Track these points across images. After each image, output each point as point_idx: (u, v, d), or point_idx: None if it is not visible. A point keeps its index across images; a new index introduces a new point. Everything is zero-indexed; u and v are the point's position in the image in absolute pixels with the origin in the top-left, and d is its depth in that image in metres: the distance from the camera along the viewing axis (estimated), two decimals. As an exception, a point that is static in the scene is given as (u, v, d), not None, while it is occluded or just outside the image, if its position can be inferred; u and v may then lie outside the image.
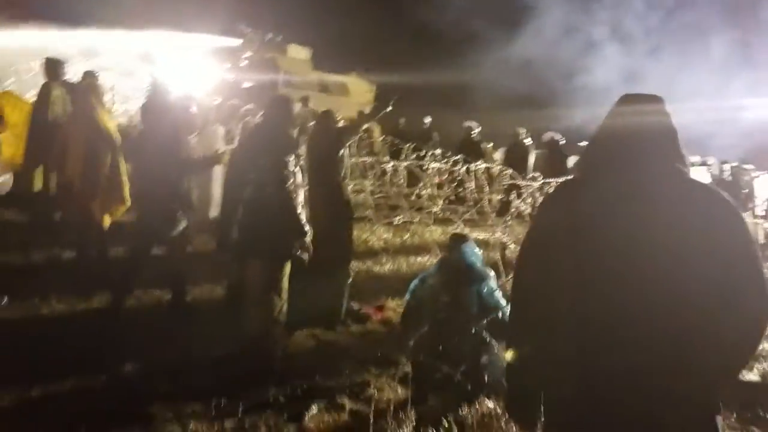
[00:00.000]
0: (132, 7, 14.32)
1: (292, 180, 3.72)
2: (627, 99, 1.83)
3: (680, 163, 1.73)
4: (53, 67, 6.03)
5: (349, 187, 8.91)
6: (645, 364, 1.59)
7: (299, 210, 3.75)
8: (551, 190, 1.88)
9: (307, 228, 3.81)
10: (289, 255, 3.84)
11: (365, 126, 5.72)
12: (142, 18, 13.85)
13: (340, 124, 6.22)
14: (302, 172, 3.95)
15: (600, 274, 1.66)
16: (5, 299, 4.46)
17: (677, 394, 1.59)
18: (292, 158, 3.76)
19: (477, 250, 3.76)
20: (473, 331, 3.42)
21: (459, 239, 3.76)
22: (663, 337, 1.59)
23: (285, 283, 3.93)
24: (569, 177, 1.90)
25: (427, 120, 13.56)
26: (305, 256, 3.89)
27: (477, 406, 3.20)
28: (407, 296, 3.84)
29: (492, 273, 3.72)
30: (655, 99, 1.81)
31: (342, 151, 5.61)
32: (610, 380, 1.62)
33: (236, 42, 17.13)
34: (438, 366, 3.31)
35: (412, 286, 3.84)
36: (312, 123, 6.25)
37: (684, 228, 1.60)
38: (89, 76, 5.92)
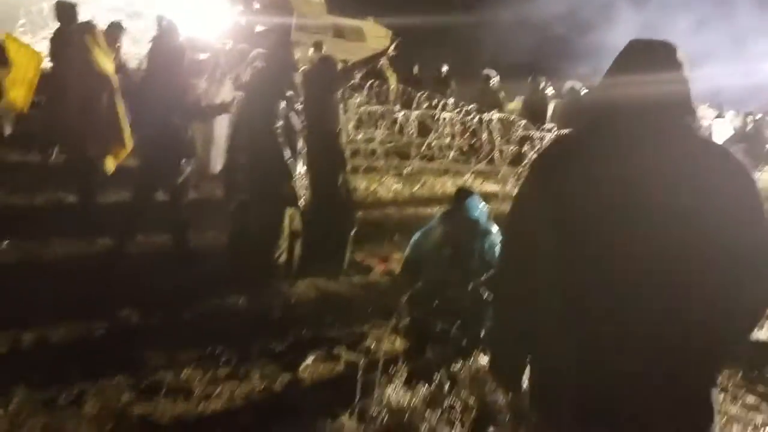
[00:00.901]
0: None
1: (279, 122, 3.59)
2: (635, 46, 1.65)
3: (690, 118, 1.58)
4: (66, 10, 5.81)
5: (359, 136, 8.80)
6: (644, 335, 1.50)
7: (286, 152, 3.62)
8: (545, 147, 1.74)
9: (292, 170, 3.68)
10: (281, 198, 3.75)
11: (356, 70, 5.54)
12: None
13: (349, 69, 6.00)
14: (298, 116, 3.83)
15: (599, 237, 1.54)
16: (4, 243, 4.46)
17: (676, 366, 1.50)
18: (281, 102, 3.64)
19: (482, 204, 3.64)
20: (471, 286, 3.34)
21: (464, 193, 3.63)
22: (665, 305, 1.48)
23: (284, 229, 3.86)
24: (567, 132, 1.76)
25: (444, 68, 13.16)
26: (296, 200, 3.80)
27: (471, 362, 3.16)
28: (407, 250, 3.75)
29: (496, 228, 3.60)
30: (666, 46, 1.63)
31: (337, 97, 5.46)
32: (606, 350, 1.53)
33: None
34: (433, 321, 3.25)
35: (413, 239, 3.75)
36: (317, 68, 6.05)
37: (691, 188, 1.48)
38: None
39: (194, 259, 4.67)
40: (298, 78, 4.10)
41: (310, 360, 3.42)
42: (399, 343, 3.65)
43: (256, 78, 4.23)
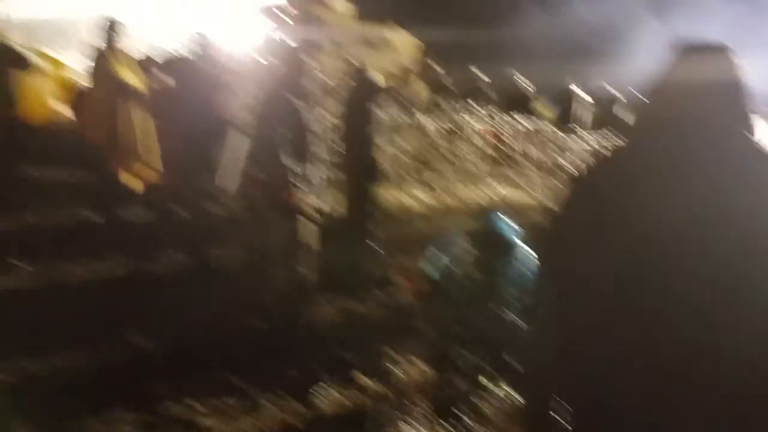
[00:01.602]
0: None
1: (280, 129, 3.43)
2: (687, 48, 1.44)
3: (747, 128, 1.36)
4: (106, 27, 5.73)
5: (385, 145, 8.56)
6: (713, 375, 1.26)
7: (283, 157, 3.44)
8: (591, 165, 1.51)
9: (290, 176, 3.48)
10: (289, 209, 3.57)
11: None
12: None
13: (379, 80, 5.85)
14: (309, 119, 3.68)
15: (659, 269, 1.30)
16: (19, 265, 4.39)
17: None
18: (286, 107, 3.49)
19: (511, 221, 3.36)
20: (502, 314, 3.06)
21: (493, 211, 3.36)
22: (718, 351, 1.25)
23: (300, 244, 3.66)
24: (613, 148, 1.51)
25: (477, 73, 12.88)
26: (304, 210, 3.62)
27: (498, 395, 2.88)
28: (427, 266, 3.46)
29: (527, 249, 3.30)
30: (721, 49, 1.42)
31: (377, 112, 5.35)
32: (670, 401, 1.29)
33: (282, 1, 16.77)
34: (458, 348, 2.99)
35: (429, 254, 3.46)
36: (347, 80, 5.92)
37: (747, 209, 1.25)
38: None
39: (215, 277, 4.54)
40: (313, 84, 3.93)
41: (326, 389, 3.21)
42: (422, 371, 3.40)
43: (266, 87, 4.10)
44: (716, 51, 1.41)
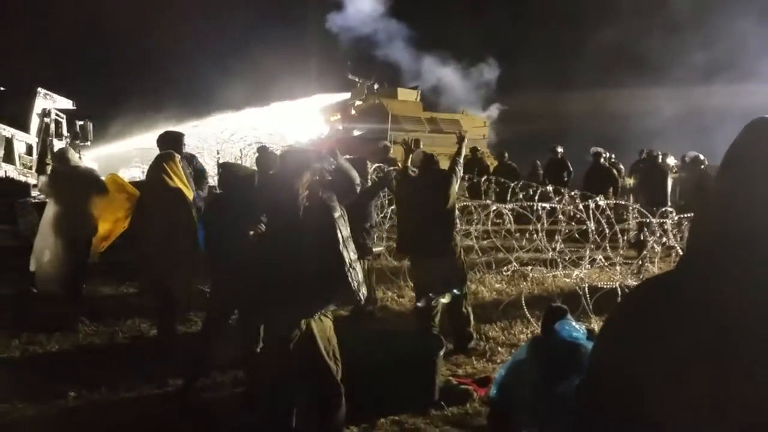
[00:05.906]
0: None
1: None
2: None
3: None
4: (167, 140, 5.88)
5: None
6: None
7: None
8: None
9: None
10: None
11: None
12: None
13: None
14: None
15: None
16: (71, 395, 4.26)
17: None
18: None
19: (579, 325, 2.83)
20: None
21: (554, 313, 2.86)
22: None
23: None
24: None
25: (560, 150, 12.60)
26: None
27: None
28: (493, 391, 2.96)
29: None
30: None
31: (452, 198, 5.17)
32: None
33: (346, 95, 17.50)
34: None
35: (498, 377, 2.97)
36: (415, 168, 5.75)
37: None
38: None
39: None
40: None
41: None
42: None
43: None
44: None
